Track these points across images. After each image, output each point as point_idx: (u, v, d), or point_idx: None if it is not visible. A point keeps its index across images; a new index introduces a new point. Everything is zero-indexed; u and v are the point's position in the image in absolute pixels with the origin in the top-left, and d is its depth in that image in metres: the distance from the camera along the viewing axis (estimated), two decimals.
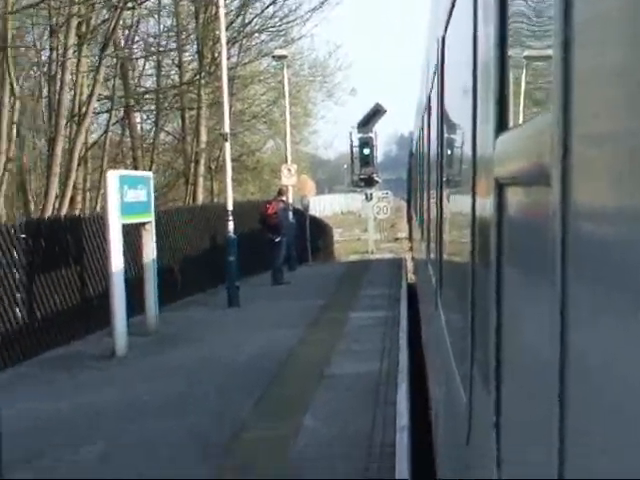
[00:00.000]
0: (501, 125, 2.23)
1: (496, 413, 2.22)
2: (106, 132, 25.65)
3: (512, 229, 2.09)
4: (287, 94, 28.10)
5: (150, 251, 15.46)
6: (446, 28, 4.83)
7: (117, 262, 13.70)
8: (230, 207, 18.87)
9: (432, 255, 7.48)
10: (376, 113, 39.19)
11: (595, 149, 1.22)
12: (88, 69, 23.77)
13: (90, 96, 21.72)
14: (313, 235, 33.06)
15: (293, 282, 22.99)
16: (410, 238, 33.15)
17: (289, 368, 11.79)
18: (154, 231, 15.58)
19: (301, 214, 30.19)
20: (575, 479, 1.31)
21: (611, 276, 1.13)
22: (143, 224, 15.36)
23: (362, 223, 58.01)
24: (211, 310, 18.64)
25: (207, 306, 19.27)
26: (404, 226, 49.50)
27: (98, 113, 26.84)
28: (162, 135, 32.23)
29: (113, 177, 13.84)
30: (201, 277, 21.48)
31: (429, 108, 8.47)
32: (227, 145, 18.99)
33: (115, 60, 25.88)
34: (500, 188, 2.19)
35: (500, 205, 2.20)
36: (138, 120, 31.11)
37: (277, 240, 22.31)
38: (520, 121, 2.08)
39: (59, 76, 21.55)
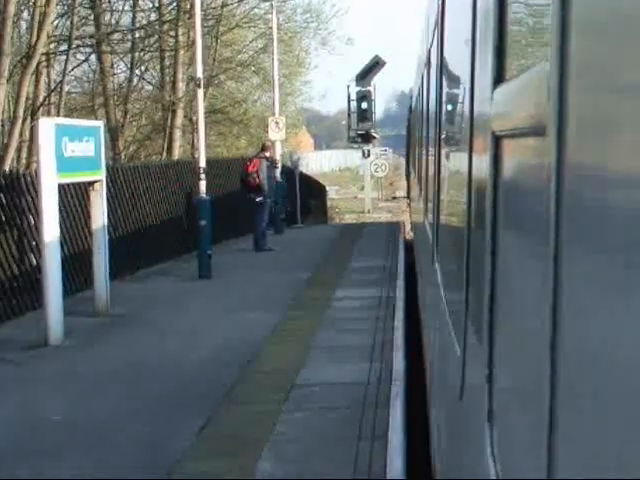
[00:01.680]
0: (499, 77, 2.21)
1: (489, 367, 2.23)
2: (63, 77, 22.72)
3: (508, 182, 2.09)
4: (275, 39, 25.32)
5: (100, 215, 12.95)
6: None
7: (51, 229, 11.32)
8: (203, 164, 16.34)
9: (429, 210, 7.47)
10: (375, 66, 36.56)
11: (592, 100, 1.22)
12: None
13: (39, 32, 18.91)
14: (304, 195, 30.50)
15: (278, 248, 20.55)
16: (408, 196, 31.89)
17: (252, 374, 9.29)
18: (104, 192, 13.04)
19: (290, 172, 27.66)
20: (566, 433, 1.31)
21: (608, 230, 1.11)
22: (91, 183, 12.84)
23: (360, 180, 56.01)
24: (178, 282, 16.20)
25: (175, 277, 16.84)
26: (403, 184, 46.93)
27: (51, 54, 23.74)
28: (141, 84, 29.39)
29: (47, 126, 11.28)
30: (173, 242, 19.04)
31: (429, 63, 8.37)
32: (200, 93, 16.42)
33: None
34: (497, 141, 2.20)
35: (496, 158, 2.21)
36: (118, 68, 28.34)
37: (258, 201, 19.88)
38: (517, 72, 2.04)
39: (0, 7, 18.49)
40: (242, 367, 9.49)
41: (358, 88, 35.75)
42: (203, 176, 16.32)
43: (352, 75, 36.44)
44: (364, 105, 35.29)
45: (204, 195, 16.39)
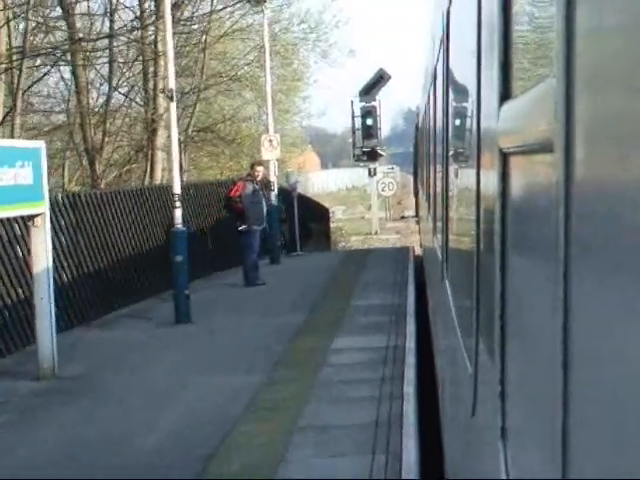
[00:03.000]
0: (505, 94, 2.23)
1: (501, 384, 2.24)
2: (16, 90, 20.02)
3: (516, 199, 2.10)
4: (267, 48, 22.86)
5: (42, 255, 10.62)
6: (451, 0, 4.89)
7: None
8: (177, 189, 13.99)
9: (438, 229, 7.43)
10: (379, 80, 35.07)
11: (600, 116, 1.22)
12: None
13: None
14: (304, 219, 28.09)
15: (272, 281, 18.13)
16: (417, 215, 30.67)
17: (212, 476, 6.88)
18: (48, 227, 10.73)
19: (287, 194, 25.31)
20: (580, 450, 1.32)
21: (617, 246, 1.13)
22: (31, 218, 10.54)
23: (367, 199, 53.86)
24: (151, 329, 13.77)
25: (149, 321, 14.41)
26: (411, 202, 45.36)
27: (10, 68, 20.86)
28: (120, 100, 26.82)
29: None
30: (152, 278, 16.70)
31: (434, 80, 8.34)
32: (172, 106, 14.06)
33: None
34: (504, 158, 2.21)
35: (504, 175, 2.22)
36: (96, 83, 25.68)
37: (243, 230, 17.54)
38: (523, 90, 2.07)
39: None
40: (203, 460, 7.10)
41: (362, 104, 34.06)
42: (178, 204, 13.98)
43: (355, 89, 34.56)
44: (369, 121, 33.64)
45: (179, 226, 14.06)
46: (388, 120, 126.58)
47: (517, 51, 2.17)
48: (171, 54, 14.01)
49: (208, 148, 30.62)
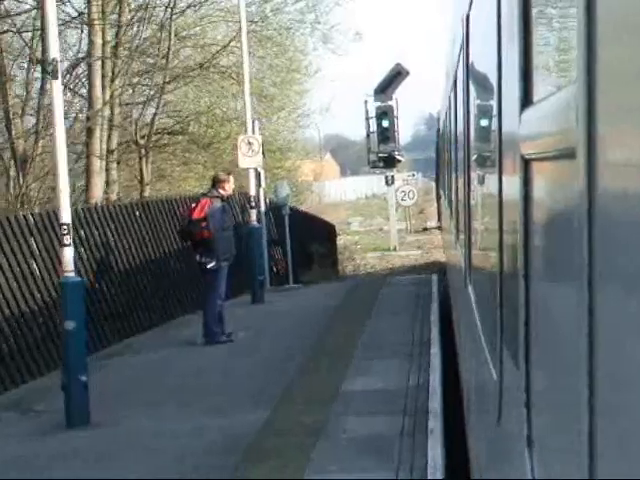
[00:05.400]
0: (526, 100, 2.22)
1: (527, 391, 2.23)
2: None
3: (538, 206, 2.11)
4: (244, 22, 17.30)
5: None
6: (470, 6, 4.87)
7: None
8: (66, 218, 8.93)
9: (460, 233, 7.36)
10: (396, 76, 31.01)
11: (622, 122, 1.23)
12: None
13: None
14: (304, 240, 22.95)
15: (244, 335, 13.07)
16: (440, 226, 27.84)
17: None
18: None
19: (277, 210, 20.25)
20: (607, 458, 1.31)
21: None
22: None
23: (387, 209, 49.09)
24: (29, 436, 8.85)
25: (31, 421, 9.43)
26: (434, 211, 40.46)
27: None
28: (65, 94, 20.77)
29: None
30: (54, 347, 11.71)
31: (455, 86, 8.13)
32: (56, 86, 8.97)
33: None
34: (526, 164, 2.20)
35: (525, 181, 2.21)
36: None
37: (210, 267, 12.61)
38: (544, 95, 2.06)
39: None
40: None
41: (377, 103, 30.29)
42: (67, 239, 8.89)
43: (365, 82, 29.55)
44: (385, 123, 29.93)
45: (71, 274, 8.99)
46: (409, 126, 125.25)
47: (538, 56, 2.18)
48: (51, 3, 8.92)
49: (181, 154, 25.07)
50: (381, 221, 53.72)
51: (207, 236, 12.30)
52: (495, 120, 3.03)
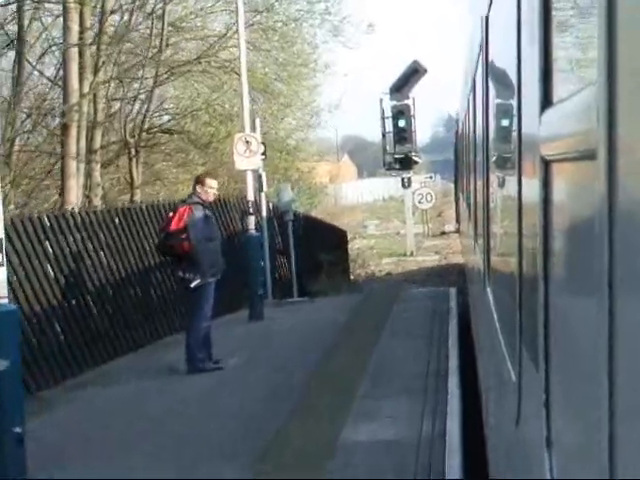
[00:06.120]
0: (546, 101, 2.20)
1: (546, 392, 2.22)
2: None
3: (558, 208, 2.08)
4: (241, 7, 15.47)
5: None
6: (490, 6, 4.85)
7: None
8: None
9: (479, 235, 7.34)
10: (413, 74, 30.16)
11: None
12: None
13: None
14: (312, 248, 21.18)
15: (233, 362, 11.35)
16: (458, 224, 27.29)
17: None
18: None
19: (279, 217, 18.55)
20: (627, 461, 1.30)
21: None
22: None
23: (404, 212, 47.68)
24: None
25: None
26: (453, 214, 39.70)
27: None
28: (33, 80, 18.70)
29: None
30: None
31: (474, 87, 8.09)
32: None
33: None
34: (546, 166, 2.19)
35: (545, 183, 2.19)
36: None
37: (195, 285, 10.93)
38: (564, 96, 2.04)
39: None
40: None
41: (393, 102, 29.41)
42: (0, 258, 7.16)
43: (377, 78, 28.02)
44: (401, 123, 29.12)
45: (3, 300, 7.26)
46: (428, 127, 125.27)
47: (558, 57, 2.16)
48: None
49: (177, 155, 23.22)
50: (398, 224, 52.42)
51: (188, 249, 10.61)
52: (515, 121, 3.02)
